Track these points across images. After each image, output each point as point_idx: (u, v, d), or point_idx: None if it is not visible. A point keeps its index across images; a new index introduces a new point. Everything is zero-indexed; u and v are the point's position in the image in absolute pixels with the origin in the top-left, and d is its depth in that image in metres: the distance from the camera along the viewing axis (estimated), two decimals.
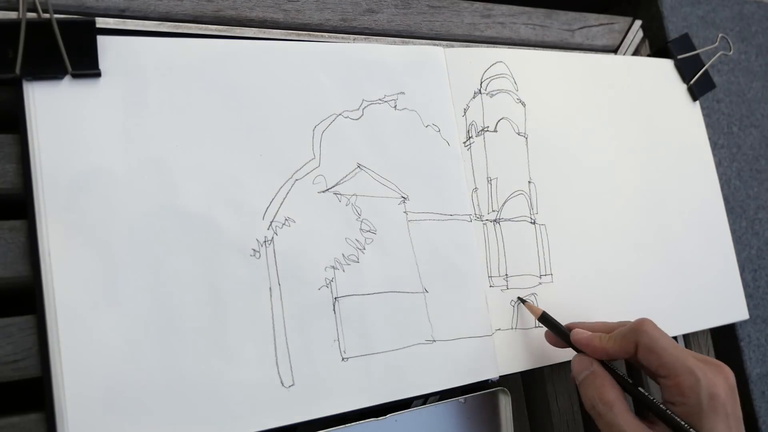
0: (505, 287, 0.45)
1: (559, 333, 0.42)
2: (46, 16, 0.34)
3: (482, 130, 0.46)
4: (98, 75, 0.35)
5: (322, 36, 0.44)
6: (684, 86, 0.57)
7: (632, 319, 0.39)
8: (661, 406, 0.36)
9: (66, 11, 0.36)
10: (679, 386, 0.35)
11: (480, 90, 0.47)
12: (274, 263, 0.38)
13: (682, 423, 0.34)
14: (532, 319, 0.45)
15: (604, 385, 0.38)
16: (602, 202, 0.50)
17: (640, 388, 0.38)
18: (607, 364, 0.39)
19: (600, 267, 0.48)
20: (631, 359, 0.39)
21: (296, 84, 0.40)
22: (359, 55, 0.43)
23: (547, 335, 0.43)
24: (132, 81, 0.36)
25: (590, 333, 0.40)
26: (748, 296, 0.58)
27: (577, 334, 0.40)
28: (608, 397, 0.37)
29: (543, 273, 0.46)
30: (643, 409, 0.38)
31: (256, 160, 0.38)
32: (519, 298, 0.45)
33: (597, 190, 0.50)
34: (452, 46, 0.48)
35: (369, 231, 0.41)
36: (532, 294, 0.45)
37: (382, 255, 0.41)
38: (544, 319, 0.43)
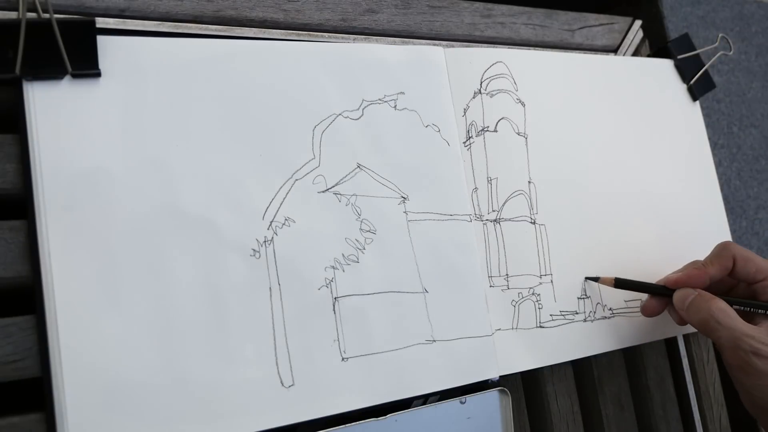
0: (505, 287, 0.45)
1: (641, 288, 0.46)
2: (46, 16, 0.34)
3: (482, 130, 0.46)
4: (98, 75, 0.35)
5: (322, 36, 0.44)
6: (684, 86, 0.57)
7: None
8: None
9: (66, 11, 0.36)
10: None
11: (480, 90, 0.47)
12: (273, 263, 0.38)
13: None
14: (532, 319, 0.45)
15: (713, 298, 0.42)
16: (602, 201, 0.50)
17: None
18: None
19: (600, 266, 0.48)
20: (725, 276, 0.44)
21: (296, 84, 0.40)
22: (359, 55, 0.43)
23: (644, 308, 0.46)
24: (132, 81, 0.36)
25: (682, 271, 0.45)
26: None
27: (670, 276, 0.45)
28: (721, 305, 0.41)
29: (543, 273, 0.46)
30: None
31: (256, 160, 0.38)
32: (586, 277, 0.47)
33: (597, 190, 0.50)
34: (452, 46, 0.48)
35: (369, 231, 0.41)
36: (533, 293, 0.45)
37: (382, 255, 0.41)
38: (620, 283, 0.46)
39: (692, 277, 0.44)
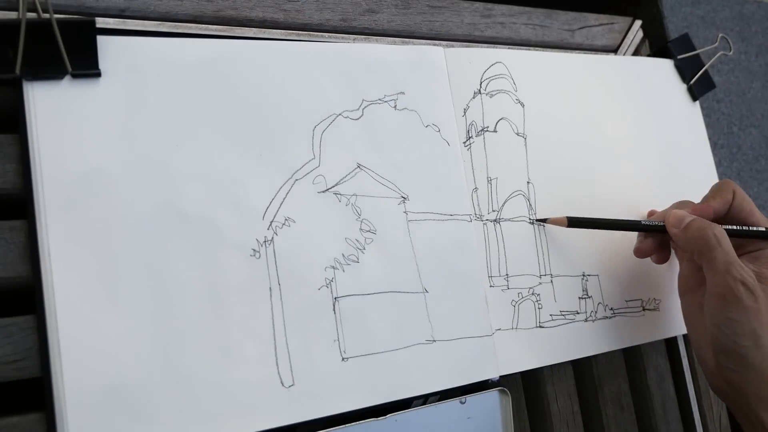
0: (505, 287, 0.44)
1: (605, 225, 0.46)
2: (46, 16, 0.34)
3: (482, 130, 0.46)
4: (98, 75, 0.35)
5: (322, 36, 0.44)
6: (684, 86, 0.57)
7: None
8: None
9: (66, 11, 0.36)
10: None
11: (480, 90, 0.47)
12: (274, 263, 0.38)
13: None
14: (532, 319, 0.45)
15: (713, 223, 0.41)
16: (601, 202, 0.50)
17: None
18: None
19: (601, 265, 0.48)
20: (725, 211, 0.44)
21: (296, 84, 0.40)
22: (359, 55, 0.43)
23: (636, 250, 0.46)
24: (132, 81, 0.36)
25: (682, 208, 0.44)
26: None
27: (674, 213, 0.43)
28: (721, 229, 0.40)
29: (543, 273, 0.46)
30: None
31: (256, 160, 0.38)
32: (537, 219, 0.46)
33: (596, 190, 0.50)
34: (452, 46, 0.48)
35: (369, 231, 0.41)
36: (533, 293, 0.45)
37: (382, 255, 0.41)
38: (574, 222, 0.45)
39: (697, 210, 0.43)
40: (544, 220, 0.46)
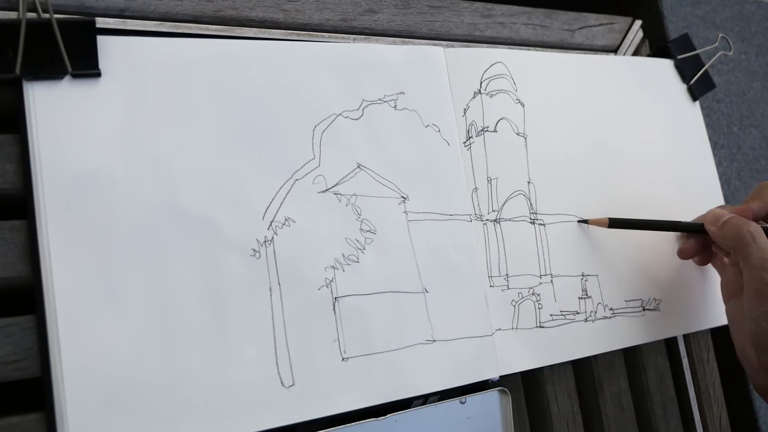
0: (505, 287, 0.44)
1: (645, 225, 0.47)
2: (46, 16, 0.34)
3: (482, 130, 0.46)
4: (98, 75, 0.35)
5: (322, 36, 0.44)
6: (684, 86, 0.57)
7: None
8: None
9: (66, 11, 0.36)
10: None
11: (480, 90, 0.47)
12: (274, 263, 0.38)
13: None
14: (532, 319, 0.45)
15: (750, 221, 0.43)
16: (601, 202, 0.50)
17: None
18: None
19: (600, 267, 0.48)
20: (765, 212, 0.45)
21: (296, 84, 0.40)
22: (359, 55, 0.43)
23: (680, 251, 0.48)
24: (132, 81, 0.36)
25: (723, 209, 0.46)
26: None
27: (713, 211, 0.45)
28: (757, 227, 0.42)
29: (543, 273, 0.46)
30: None
31: (256, 160, 0.38)
32: (579, 220, 0.47)
33: (597, 189, 0.50)
34: (452, 46, 0.48)
35: (369, 231, 0.41)
36: (533, 293, 0.45)
37: (382, 255, 0.41)
38: (615, 222, 0.46)
39: (735, 211, 0.45)
40: (585, 221, 0.48)
